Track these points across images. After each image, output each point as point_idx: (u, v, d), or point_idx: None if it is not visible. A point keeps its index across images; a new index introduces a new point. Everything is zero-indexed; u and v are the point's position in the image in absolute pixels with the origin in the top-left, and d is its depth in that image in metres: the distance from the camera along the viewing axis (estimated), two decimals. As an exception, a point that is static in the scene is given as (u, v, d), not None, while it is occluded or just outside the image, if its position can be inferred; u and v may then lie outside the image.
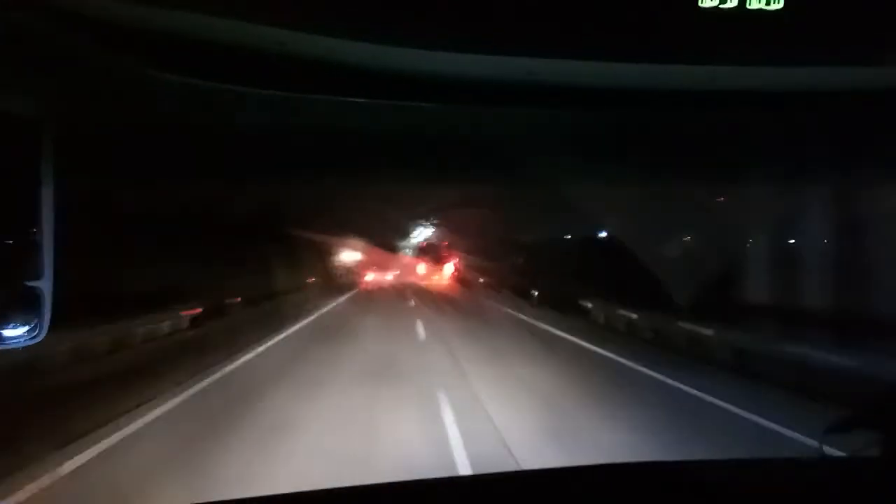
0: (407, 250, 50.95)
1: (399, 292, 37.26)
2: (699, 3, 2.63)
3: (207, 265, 18.63)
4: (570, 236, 26.92)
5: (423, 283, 44.16)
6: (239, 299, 22.35)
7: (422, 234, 47.53)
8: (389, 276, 43.44)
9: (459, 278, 42.81)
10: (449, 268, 48.61)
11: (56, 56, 2.94)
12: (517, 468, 5.59)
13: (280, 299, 26.09)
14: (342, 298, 32.65)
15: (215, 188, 13.95)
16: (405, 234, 46.56)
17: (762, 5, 2.61)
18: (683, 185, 9.83)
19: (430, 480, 1.67)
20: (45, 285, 2.35)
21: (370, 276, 41.56)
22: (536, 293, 26.05)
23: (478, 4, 2.68)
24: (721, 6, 2.62)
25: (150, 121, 5.12)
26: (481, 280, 40.50)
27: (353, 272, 43.47)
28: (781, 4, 2.56)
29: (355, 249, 43.63)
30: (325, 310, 25.73)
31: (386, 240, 45.02)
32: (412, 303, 30.41)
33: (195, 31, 2.70)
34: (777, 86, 3.14)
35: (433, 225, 45.66)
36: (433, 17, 2.63)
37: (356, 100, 3.31)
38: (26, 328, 2.36)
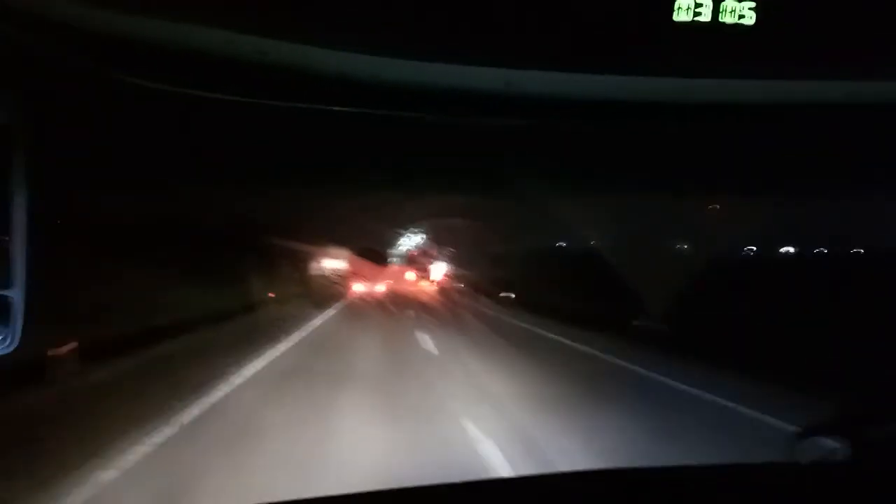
0: (395, 259, 48.14)
1: (393, 305, 29.93)
2: (673, 17, 2.68)
3: (161, 277, 13.95)
4: (556, 245, 27.30)
5: (412, 288, 42.48)
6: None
7: (408, 243, 47.34)
8: (380, 287, 38.64)
9: (446, 288, 41.64)
10: (435, 274, 47.72)
11: (28, 64, 2.91)
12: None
13: (252, 316, 20.15)
14: (330, 312, 25.11)
15: (190, 197, 12.93)
16: (392, 244, 46.20)
17: (735, 20, 2.66)
18: (656, 197, 9.96)
19: (426, 487, 1.66)
20: (16, 294, 2.31)
21: (358, 287, 37.06)
22: (513, 296, 28.26)
23: (454, 14, 2.70)
24: (695, 19, 2.67)
25: (128, 130, 5.08)
26: (464, 287, 39.65)
27: (340, 282, 39.51)
28: (754, 20, 2.62)
29: (341, 259, 39.84)
30: (305, 333, 17.46)
31: (373, 249, 42.12)
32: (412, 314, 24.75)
33: (176, 39, 2.69)
34: (748, 99, 3.20)
35: (420, 234, 45.49)
36: (409, 26, 2.65)
37: (336, 109, 3.32)
38: None
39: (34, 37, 2.55)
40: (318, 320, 21.36)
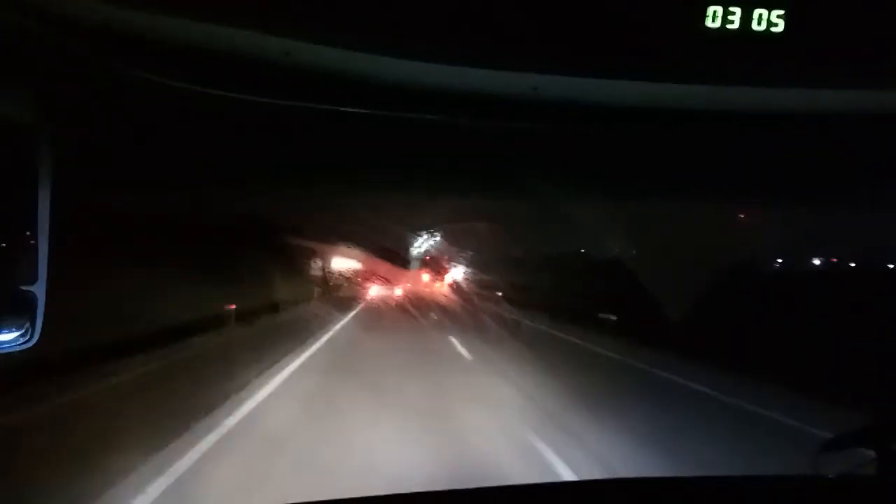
0: (413, 262, 46.24)
1: (418, 312, 28.03)
2: (705, 24, 2.64)
3: (163, 276, 12.26)
4: (578, 251, 27.08)
5: (428, 290, 40.78)
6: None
7: (425, 244, 45.97)
8: (397, 291, 35.30)
9: (466, 292, 39.71)
10: (451, 277, 46.67)
11: (55, 62, 2.94)
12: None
13: (258, 325, 18.34)
14: (349, 317, 24.57)
15: (207, 197, 12.31)
16: (409, 246, 44.59)
17: (766, 27, 2.61)
18: (683, 205, 9.86)
19: (432, 493, 1.65)
20: (39, 289, 2.33)
21: (374, 290, 34.08)
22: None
23: (483, 18, 2.68)
24: (726, 27, 2.63)
25: (147, 128, 5.12)
26: (486, 292, 37.78)
27: (356, 285, 37.11)
28: (784, 27, 2.57)
29: (357, 259, 36.81)
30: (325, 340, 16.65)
31: (391, 250, 38.95)
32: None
33: (198, 38, 2.69)
34: (779, 107, 3.15)
35: (437, 236, 43.78)
36: (437, 29, 2.64)
37: (358, 111, 3.31)
38: (18, 332, 2.35)
39: (58, 36, 2.57)
40: (350, 315, 26.48)
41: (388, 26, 2.60)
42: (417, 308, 29.94)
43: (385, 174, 7.62)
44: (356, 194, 12.90)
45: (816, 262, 16.06)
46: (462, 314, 26.21)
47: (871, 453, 1.73)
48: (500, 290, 33.83)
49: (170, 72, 2.88)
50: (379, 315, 26.88)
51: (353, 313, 26.10)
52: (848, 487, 1.71)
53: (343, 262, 35.68)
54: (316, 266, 30.12)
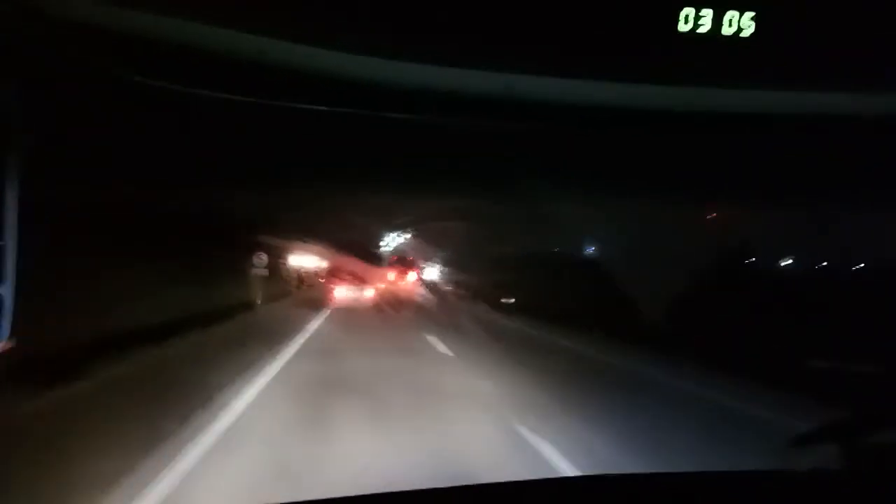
0: (385, 261, 42.04)
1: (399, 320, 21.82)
2: (677, 28, 2.69)
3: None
4: (554, 250, 26.67)
5: (404, 291, 35.55)
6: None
7: (400, 242, 44.58)
8: (368, 293, 28.55)
9: (441, 291, 37.43)
10: (426, 274, 44.98)
11: (26, 59, 2.90)
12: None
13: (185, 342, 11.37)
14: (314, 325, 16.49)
15: (175, 193, 11.08)
16: (382, 243, 42.60)
17: (735, 31, 2.67)
18: (655, 204, 9.98)
19: (424, 491, 1.65)
20: (6, 290, 2.30)
21: (341, 292, 27.60)
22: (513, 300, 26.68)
23: (458, 18, 2.70)
24: (697, 30, 2.68)
25: (122, 127, 5.06)
26: (462, 292, 35.94)
27: (320, 284, 31.47)
28: (753, 31, 2.63)
29: (322, 256, 31.53)
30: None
31: (361, 245, 34.17)
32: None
33: (176, 36, 2.68)
34: (747, 108, 3.22)
35: (411, 234, 42.30)
36: (413, 30, 2.65)
37: (332, 109, 3.32)
38: None
39: (32, 32, 2.55)
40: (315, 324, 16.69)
41: (363, 26, 2.62)
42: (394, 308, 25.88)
43: (359, 172, 7.61)
44: (330, 192, 12.73)
45: (788, 261, 16.36)
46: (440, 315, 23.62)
47: (840, 449, 1.77)
48: (476, 290, 32.51)
49: (145, 69, 2.86)
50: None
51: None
52: (817, 482, 1.75)
53: (304, 260, 29.44)
54: (260, 263, 21.88)
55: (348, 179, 8.59)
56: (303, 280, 32.06)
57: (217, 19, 2.56)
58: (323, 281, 31.53)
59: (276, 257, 25.88)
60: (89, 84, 3.35)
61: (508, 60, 2.93)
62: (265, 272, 22.89)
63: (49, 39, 2.61)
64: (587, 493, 1.65)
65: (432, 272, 44.09)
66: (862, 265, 14.17)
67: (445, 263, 42.35)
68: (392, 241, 43.06)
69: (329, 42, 2.69)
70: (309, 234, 27.48)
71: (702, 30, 2.69)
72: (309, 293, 28.60)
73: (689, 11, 2.65)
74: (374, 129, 4.41)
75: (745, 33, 2.66)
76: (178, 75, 2.90)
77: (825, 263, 15.32)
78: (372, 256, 36.36)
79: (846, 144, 4.05)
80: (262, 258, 22.29)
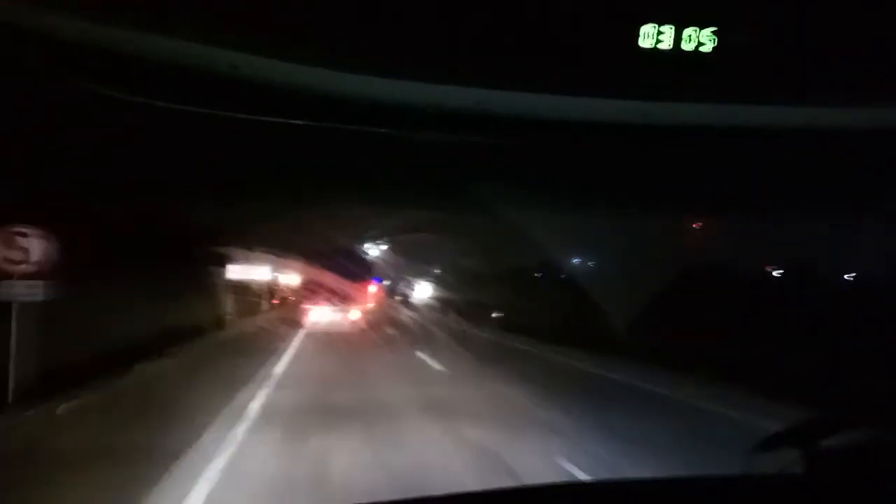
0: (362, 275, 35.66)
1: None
2: (638, 43, 2.79)
3: None
4: (530, 264, 26.37)
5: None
6: None
7: (373, 254, 40.15)
8: (353, 315, 22.90)
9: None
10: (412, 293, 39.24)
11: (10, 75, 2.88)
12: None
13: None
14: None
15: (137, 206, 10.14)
16: (359, 255, 38.24)
17: (695, 47, 2.78)
18: (623, 216, 10.15)
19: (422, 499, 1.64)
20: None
21: (316, 314, 21.84)
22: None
23: (428, 35, 2.76)
24: (658, 46, 2.78)
25: (91, 139, 5.01)
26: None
27: (291, 304, 27.03)
28: (712, 48, 2.74)
29: (294, 272, 27.24)
30: None
31: (348, 253, 29.12)
32: None
33: (147, 50, 2.69)
34: (708, 122, 3.33)
35: (382, 246, 39.10)
36: (384, 45, 2.70)
37: (304, 123, 3.35)
38: None
39: (6, 45, 2.54)
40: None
41: (333, 41, 2.66)
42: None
43: (328, 185, 7.60)
44: (298, 206, 12.48)
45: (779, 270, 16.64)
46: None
47: (800, 453, 1.81)
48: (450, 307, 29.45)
49: (115, 83, 2.87)
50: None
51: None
52: (777, 486, 1.79)
53: (264, 273, 23.14)
54: (215, 277, 18.24)
55: (318, 192, 8.57)
56: (274, 298, 27.45)
57: (188, 34, 2.59)
58: (291, 300, 25.69)
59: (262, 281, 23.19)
60: (47, 93, 3.33)
61: (477, 76, 3.00)
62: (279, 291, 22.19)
63: (20, 50, 2.60)
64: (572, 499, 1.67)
65: (421, 291, 38.08)
66: (853, 275, 14.58)
67: (421, 278, 39.29)
68: (371, 254, 38.50)
69: (302, 57, 2.72)
70: (280, 246, 23.41)
71: (662, 46, 2.79)
72: (273, 319, 23.55)
73: (649, 29, 2.75)
74: (345, 142, 4.44)
75: (705, 49, 2.77)
76: (150, 89, 2.91)
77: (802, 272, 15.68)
78: (359, 271, 30.46)
79: (806, 156, 4.20)
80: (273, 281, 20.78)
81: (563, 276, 21.17)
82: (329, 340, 17.25)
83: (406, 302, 37.17)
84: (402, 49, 2.72)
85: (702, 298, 13.37)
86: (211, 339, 15.55)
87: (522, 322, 20.68)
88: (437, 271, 36.84)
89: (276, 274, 25.63)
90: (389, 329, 21.41)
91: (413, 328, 22.88)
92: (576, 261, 21.63)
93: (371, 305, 28.53)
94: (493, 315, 24.17)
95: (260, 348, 13.63)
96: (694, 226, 14.27)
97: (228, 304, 19.73)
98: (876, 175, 4.96)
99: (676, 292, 13.56)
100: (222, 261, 18.96)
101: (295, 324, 20.09)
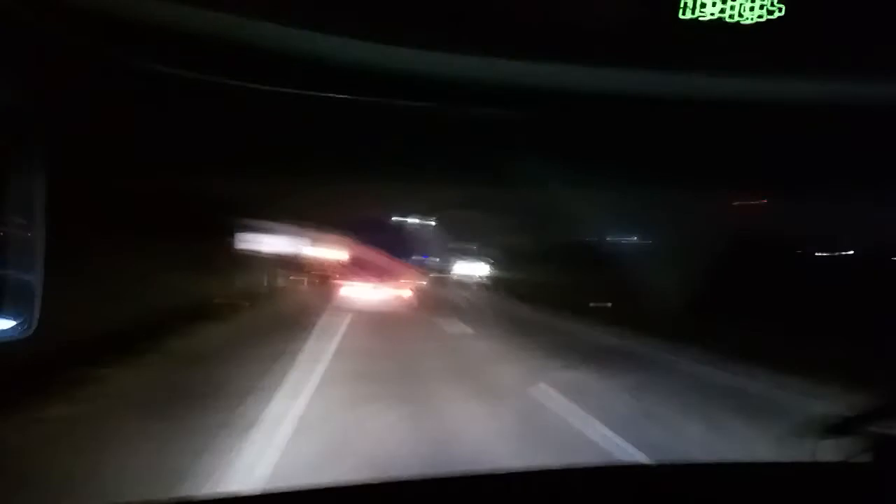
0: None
1: None
2: (679, 14, 2.70)
3: None
4: (571, 239, 25.65)
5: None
6: None
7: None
8: (404, 293, 20.34)
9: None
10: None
11: (44, 49, 2.96)
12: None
13: None
14: None
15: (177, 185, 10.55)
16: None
17: (738, 18, 2.68)
18: (673, 193, 9.92)
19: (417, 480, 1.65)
20: (35, 278, 2.35)
21: (352, 290, 19.17)
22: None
23: (460, 4, 2.73)
24: (699, 17, 2.69)
25: (120, 115, 5.10)
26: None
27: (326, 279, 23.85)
28: (755, 18, 2.63)
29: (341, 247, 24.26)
30: None
31: (388, 238, 25.77)
32: None
33: (172, 21, 2.71)
34: (752, 95, 3.22)
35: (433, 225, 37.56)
36: (409, 14, 2.68)
37: (332, 95, 3.35)
38: (16, 321, 2.36)
39: (37, 18, 2.59)
40: None
41: (363, 10, 2.65)
42: None
43: (362, 161, 7.59)
44: (333, 181, 12.03)
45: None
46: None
47: (870, 440, 1.73)
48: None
49: (152, 54, 2.91)
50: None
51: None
52: (846, 474, 1.74)
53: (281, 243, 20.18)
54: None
55: (353, 167, 8.57)
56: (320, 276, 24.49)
57: (210, 3, 2.60)
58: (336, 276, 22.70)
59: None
60: (89, 71, 3.40)
61: (514, 48, 2.95)
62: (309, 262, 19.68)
63: (53, 25, 2.66)
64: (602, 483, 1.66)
65: (471, 268, 34.44)
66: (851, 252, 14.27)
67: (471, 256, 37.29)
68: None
69: (325, 26, 2.71)
70: (320, 219, 21.25)
71: (705, 17, 2.69)
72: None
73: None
74: (377, 116, 4.43)
75: (749, 19, 2.67)
76: (185, 62, 2.96)
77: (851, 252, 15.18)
78: (403, 245, 26.70)
79: (855, 133, 4.02)
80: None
81: (614, 254, 20.81)
82: (378, 323, 14.95)
83: (455, 280, 35.56)
84: (432, 17, 2.70)
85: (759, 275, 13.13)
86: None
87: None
88: (488, 248, 35.61)
89: (318, 248, 24.11)
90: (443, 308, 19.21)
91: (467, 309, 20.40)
92: (630, 238, 21.25)
93: (424, 283, 25.96)
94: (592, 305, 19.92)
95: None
96: (753, 203, 13.90)
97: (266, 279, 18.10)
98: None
99: (740, 272, 13.34)
100: (255, 233, 17.56)
101: (339, 302, 17.78)
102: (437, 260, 37.77)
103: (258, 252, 17.59)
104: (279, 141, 6.49)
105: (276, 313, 15.96)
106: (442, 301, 22.61)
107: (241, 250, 16.61)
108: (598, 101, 3.58)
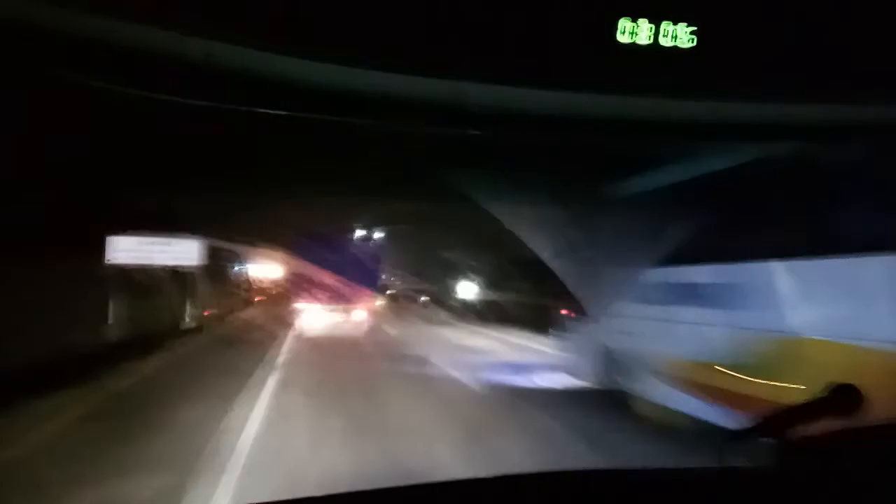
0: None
1: None
2: (616, 38, 2.78)
3: None
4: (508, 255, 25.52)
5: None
6: None
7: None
8: (356, 315, 18.88)
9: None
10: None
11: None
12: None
13: None
14: None
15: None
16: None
17: (673, 42, 2.77)
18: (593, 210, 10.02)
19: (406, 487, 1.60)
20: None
21: (309, 314, 18.25)
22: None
23: (405, 25, 2.73)
24: (635, 41, 2.78)
25: (60, 128, 4.89)
26: None
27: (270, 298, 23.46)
28: (690, 43, 2.73)
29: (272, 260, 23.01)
30: None
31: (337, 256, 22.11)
32: None
33: (120, 38, 2.64)
34: (686, 117, 3.33)
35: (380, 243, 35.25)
36: (356, 35, 2.67)
37: (279, 113, 3.31)
38: None
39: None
40: None
41: (309, 30, 2.62)
42: None
43: (306, 176, 7.46)
44: (274, 196, 11.51)
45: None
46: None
47: (773, 444, 1.79)
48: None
49: (89, 70, 2.81)
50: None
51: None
52: (750, 478, 1.78)
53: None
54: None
55: (295, 182, 8.40)
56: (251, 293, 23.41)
57: (163, 22, 2.54)
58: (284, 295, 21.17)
59: (226, 261, 19.00)
60: (29, 86, 3.26)
61: (456, 68, 2.97)
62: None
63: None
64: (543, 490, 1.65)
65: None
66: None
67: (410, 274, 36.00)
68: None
69: (279, 47, 2.68)
70: (265, 237, 19.07)
71: (640, 41, 2.78)
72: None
73: (627, 23, 2.74)
74: (322, 133, 4.38)
75: (684, 44, 2.77)
76: (129, 79, 2.86)
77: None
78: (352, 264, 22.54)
79: (784, 154, 4.19)
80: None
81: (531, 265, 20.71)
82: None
83: (395, 297, 33.72)
84: (380, 39, 2.69)
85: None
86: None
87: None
88: (423, 267, 34.28)
89: (258, 266, 22.55)
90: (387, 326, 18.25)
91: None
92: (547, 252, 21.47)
93: (379, 303, 24.31)
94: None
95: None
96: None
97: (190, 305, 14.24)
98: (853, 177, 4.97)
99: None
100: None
101: (285, 324, 16.24)
102: (390, 278, 35.52)
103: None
104: (223, 160, 6.35)
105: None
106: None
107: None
108: (533, 120, 3.64)
